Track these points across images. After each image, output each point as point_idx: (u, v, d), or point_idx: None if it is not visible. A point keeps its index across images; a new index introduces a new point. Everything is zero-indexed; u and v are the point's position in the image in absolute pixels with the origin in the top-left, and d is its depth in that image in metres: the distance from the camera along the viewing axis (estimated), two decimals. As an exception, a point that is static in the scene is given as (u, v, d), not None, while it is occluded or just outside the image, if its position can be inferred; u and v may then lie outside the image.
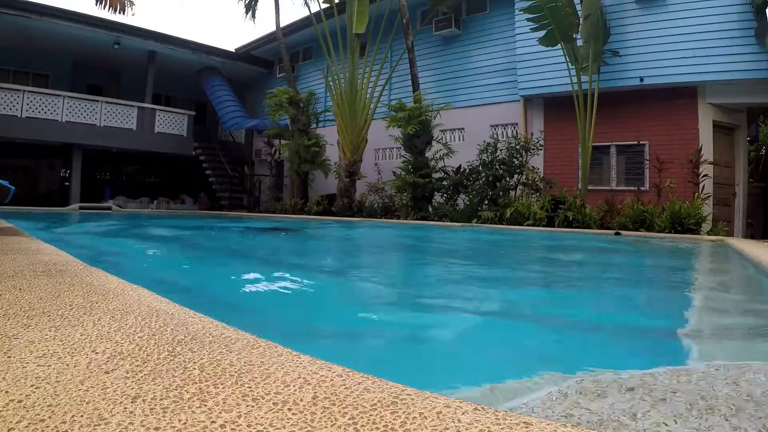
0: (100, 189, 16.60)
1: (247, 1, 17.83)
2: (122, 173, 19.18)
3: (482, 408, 0.81)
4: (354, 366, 1.02)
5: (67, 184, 16.01)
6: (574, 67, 9.82)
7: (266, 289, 3.41)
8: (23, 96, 13.70)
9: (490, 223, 9.48)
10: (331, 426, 0.74)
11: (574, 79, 9.81)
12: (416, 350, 2.04)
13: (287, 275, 3.91)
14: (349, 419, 0.77)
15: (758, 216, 10.36)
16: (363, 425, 0.75)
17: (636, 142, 10.07)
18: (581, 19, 9.59)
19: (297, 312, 2.74)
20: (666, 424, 1.09)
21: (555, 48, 9.97)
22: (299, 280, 3.72)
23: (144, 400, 0.82)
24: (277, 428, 0.73)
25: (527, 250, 6.84)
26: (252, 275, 3.99)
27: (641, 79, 9.67)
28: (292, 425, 0.74)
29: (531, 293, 3.54)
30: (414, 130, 11.28)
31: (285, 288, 3.41)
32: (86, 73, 17.01)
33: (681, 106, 9.53)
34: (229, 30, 63.00)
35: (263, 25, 63.60)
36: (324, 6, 13.82)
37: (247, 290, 3.38)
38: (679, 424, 1.10)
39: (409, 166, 11.59)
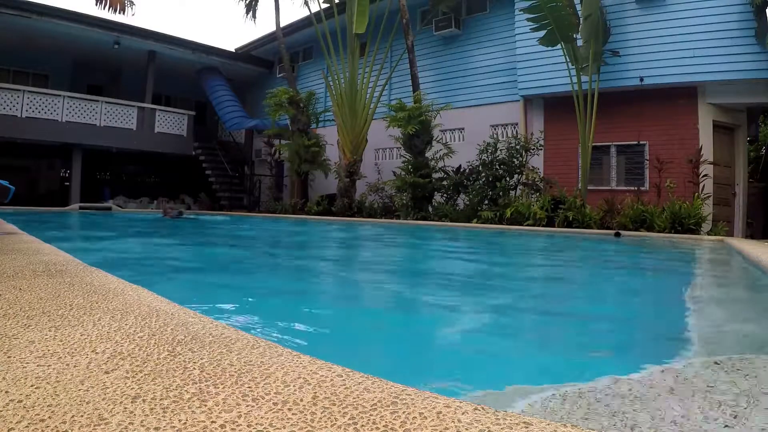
0: (100, 189, 16.59)
1: (247, 1, 17.85)
2: (122, 173, 19.15)
3: (482, 408, 0.81)
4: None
5: (67, 184, 16.01)
6: (574, 67, 9.81)
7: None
8: (23, 96, 13.70)
9: (490, 223, 9.48)
10: (331, 426, 0.74)
11: (574, 79, 9.80)
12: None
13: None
14: (349, 419, 0.77)
15: (758, 216, 10.35)
16: (363, 425, 0.75)
17: (636, 142, 10.06)
18: (581, 19, 9.58)
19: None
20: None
21: (555, 48, 9.97)
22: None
23: (144, 400, 0.82)
24: (277, 428, 0.73)
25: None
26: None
27: (641, 79, 9.67)
28: (292, 425, 0.74)
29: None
30: (414, 130, 11.28)
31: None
32: (86, 73, 17.01)
33: (681, 106, 9.52)
34: (229, 30, 63.02)
35: (263, 25, 63.64)
36: (324, 6, 13.82)
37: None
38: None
39: (409, 166, 11.58)
